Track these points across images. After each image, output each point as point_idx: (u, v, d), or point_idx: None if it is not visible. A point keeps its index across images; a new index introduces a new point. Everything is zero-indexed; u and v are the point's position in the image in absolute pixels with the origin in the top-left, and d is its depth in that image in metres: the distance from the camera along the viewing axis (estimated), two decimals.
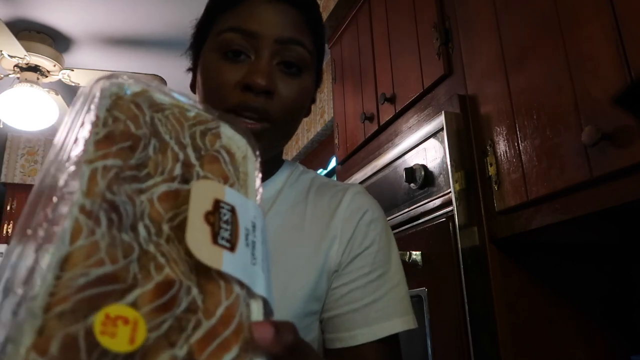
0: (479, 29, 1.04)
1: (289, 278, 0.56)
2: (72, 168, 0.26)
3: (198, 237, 0.27)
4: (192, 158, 0.32)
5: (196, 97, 0.42)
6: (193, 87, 0.63)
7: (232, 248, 0.28)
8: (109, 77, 0.34)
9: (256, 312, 0.28)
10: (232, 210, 0.30)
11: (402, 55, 1.33)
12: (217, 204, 0.30)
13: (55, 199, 0.25)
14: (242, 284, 0.28)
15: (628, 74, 0.69)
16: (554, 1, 0.84)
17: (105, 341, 0.21)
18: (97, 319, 0.22)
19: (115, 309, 0.23)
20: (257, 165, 0.37)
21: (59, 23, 2.94)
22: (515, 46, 0.93)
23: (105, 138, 0.29)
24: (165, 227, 0.27)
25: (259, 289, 0.29)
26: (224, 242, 0.28)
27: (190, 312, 0.25)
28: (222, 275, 0.27)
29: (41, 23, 2.94)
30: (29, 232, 0.24)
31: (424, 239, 1.07)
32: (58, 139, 0.30)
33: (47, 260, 0.22)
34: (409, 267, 1.06)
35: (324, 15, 1.86)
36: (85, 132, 0.29)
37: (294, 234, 0.60)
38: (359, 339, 0.56)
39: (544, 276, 0.97)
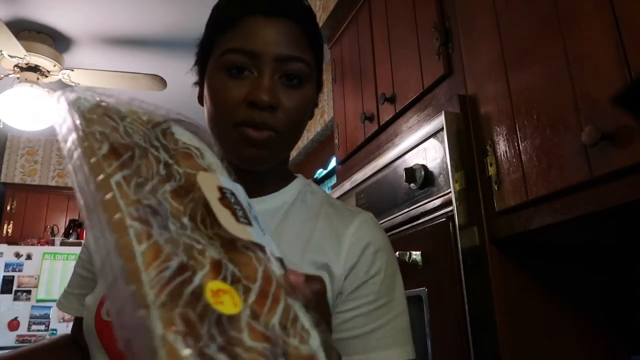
0: (479, 29, 1.04)
1: None
2: (102, 190, 0.30)
3: (226, 219, 0.32)
4: (167, 158, 0.35)
5: (134, 101, 0.43)
6: (200, 99, 0.66)
7: (250, 224, 0.33)
8: (69, 92, 0.37)
9: (278, 270, 0.33)
10: (233, 194, 0.35)
11: (402, 55, 1.33)
12: (222, 191, 0.34)
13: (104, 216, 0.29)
14: (263, 250, 0.33)
15: (628, 74, 0.69)
16: (554, 1, 0.84)
17: (220, 308, 0.27)
18: (208, 294, 0.27)
19: (214, 284, 0.28)
20: (215, 151, 0.40)
21: (59, 23, 2.94)
22: (515, 46, 0.93)
23: (110, 152, 0.32)
24: (185, 220, 0.31)
25: (276, 252, 0.34)
26: (244, 220, 0.33)
27: (235, 282, 0.29)
28: (246, 247, 0.32)
29: (41, 23, 2.94)
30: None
31: (424, 239, 1.07)
32: (69, 160, 0.32)
33: (137, 262, 0.27)
34: (409, 267, 1.06)
35: (324, 16, 1.86)
36: (83, 151, 0.32)
37: (300, 250, 0.60)
38: None
39: (544, 276, 0.97)
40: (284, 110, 0.58)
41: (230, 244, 0.31)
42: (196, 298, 0.26)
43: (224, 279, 0.29)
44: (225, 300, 0.28)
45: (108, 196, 0.29)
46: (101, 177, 0.30)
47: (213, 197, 0.33)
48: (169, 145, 0.36)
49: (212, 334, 0.25)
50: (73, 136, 0.33)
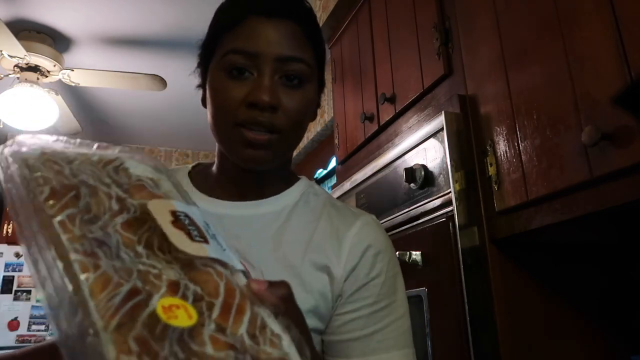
0: (479, 29, 1.04)
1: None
2: (43, 226, 0.31)
3: (180, 240, 0.33)
4: (120, 193, 0.36)
5: (72, 140, 0.44)
6: (204, 101, 0.66)
7: (205, 241, 0.35)
8: (10, 145, 0.38)
9: (241, 281, 0.34)
10: (187, 216, 0.36)
11: (402, 55, 1.33)
12: (175, 214, 0.36)
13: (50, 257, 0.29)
14: (223, 266, 0.34)
15: (628, 74, 0.69)
16: (554, 1, 0.84)
17: (174, 322, 0.27)
18: (159, 310, 0.28)
19: (164, 301, 0.28)
20: (171, 180, 0.41)
21: (59, 23, 2.94)
22: (515, 46, 0.93)
23: (52, 194, 0.34)
24: (139, 249, 0.32)
25: (237, 265, 0.35)
26: (198, 238, 0.34)
27: (197, 300, 0.30)
28: (205, 264, 0.33)
29: (41, 23, 2.94)
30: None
31: (424, 239, 1.07)
32: (11, 213, 0.34)
33: (83, 292, 0.28)
34: (409, 267, 1.06)
35: (324, 16, 1.86)
36: (27, 197, 0.33)
37: (301, 250, 0.60)
38: None
39: (544, 276, 0.97)
40: (285, 110, 0.58)
41: (189, 264, 0.32)
42: (155, 320, 0.27)
43: (184, 297, 0.30)
44: (179, 314, 0.28)
45: (50, 234, 0.30)
46: (43, 217, 0.32)
47: (165, 221, 0.34)
48: (122, 180, 0.37)
49: (175, 351, 0.26)
50: (16, 185, 0.34)
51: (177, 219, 0.35)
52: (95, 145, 0.41)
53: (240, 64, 0.58)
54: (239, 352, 0.28)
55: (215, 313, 0.30)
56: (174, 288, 0.30)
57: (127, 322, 0.26)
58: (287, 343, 0.31)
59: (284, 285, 0.38)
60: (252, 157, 0.58)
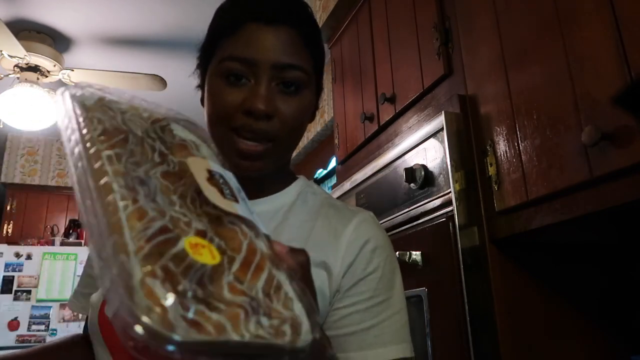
0: (479, 29, 1.04)
1: None
2: (93, 160, 0.33)
3: (213, 195, 0.35)
4: (163, 149, 0.38)
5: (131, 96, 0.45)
6: (202, 101, 0.66)
7: (236, 201, 0.37)
8: (72, 87, 0.41)
9: (264, 243, 0.35)
10: (222, 177, 0.38)
11: (402, 55, 1.33)
12: (211, 172, 0.38)
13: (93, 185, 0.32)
14: (249, 226, 0.35)
15: (628, 74, 0.69)
16: (554, 1, 0.84)
17: (199, 258, 0.29)
18: (187, 245, 0.29)
19: (191, 239, 0.30)
20: (212, 148, 0.43)
21: (59, 23, 2.94)
22: (515, 46, 0.93)
23: (103, 133, 0.36)
24: (174, 198, 0.34)
25: (262, 229, 0.36)
26: (230, 197, 0.36)
27: (221, 253, 0.31)
28: (232, 222, 0.34)
29: (41, 23, 2.94)
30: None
31: (424, 239, 1.07)
32: (67, 144, 0.36)
33: (120, 216, 0.30)
34: (409, 267, 1.06)
35: (324, 16, 1.86)
36: (81, 133, 0.35)
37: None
38: None
39: (544, 276, 0.97)
40: (281, 117, 0.58)
41: (217, 220, 0.34)
42: (181, 256, 0.29)
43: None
44: (204, 252, 0.30)
45: (97, 165, 0.32)
46: (93, 149, 0.34)
47: (201, 177, 0.36)
48: (166, 138, 0.39)
49: (194, 288, 0.27)
50: (72, 123, 0.36)
51: (212, 177, 0.37)
52: (147, 103, 0.43)
53: (237, 70, 0.58)
54: (253, 301, 0.29)
55: (235, 267, 0.31)
56: (201, 235, 0.31)
57: (156, 252, 0.28)
58: (298, 307, 0.32)
59: (303, 252, 0.39)
60: (246, 168, 0.59)
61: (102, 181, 0.31)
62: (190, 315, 0.26)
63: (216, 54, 0.61)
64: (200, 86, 0.66)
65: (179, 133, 0.41)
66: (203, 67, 0.64)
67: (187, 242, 0.30)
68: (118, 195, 0.31)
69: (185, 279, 0.27)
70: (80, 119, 0.36)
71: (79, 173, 0.33)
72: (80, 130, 0.35)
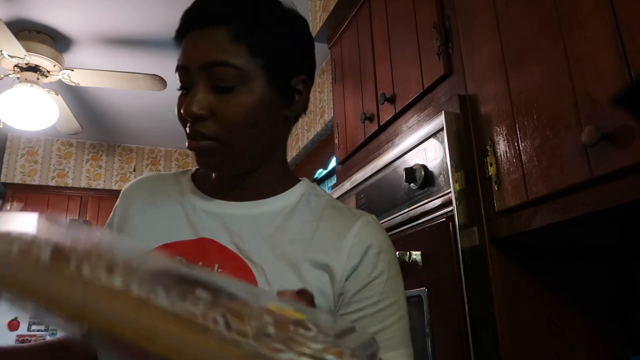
0: (479, 29, 1.04)
1: (291, 287, 0.57)
2: None
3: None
4: None
5: None
6: None
7: None
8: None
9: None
10: None
11: (402, 55, 1.33)
12: None
13: None
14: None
15: (628, 74, 0.69)
16: (554, 1, 0.84)
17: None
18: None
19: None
20: None
21: (59, 23, 2.94)
22: (515, 46, 0.93)
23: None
24: None
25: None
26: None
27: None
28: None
29: (41, 23, 2.94)
30: None
31: (424, 239, 1.07)
32: None
33: None
34: (409, 267, 1.06)
35: (324, 16, 1.86)
36: None
37: (302, 249, 0.61)
38: None
39: (544, 276, 0.97)
40: (217, 117, 0.59)
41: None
42: None
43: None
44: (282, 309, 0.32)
45: None
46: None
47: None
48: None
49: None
50: None
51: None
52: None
53: (181, 78, 0.62)
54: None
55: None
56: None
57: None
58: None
59: (307, 294, 0.41)
60: (203, 163, 0.63)
61: None
62: None
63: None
64: None
65: None
66: None
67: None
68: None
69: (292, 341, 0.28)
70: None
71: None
72: None
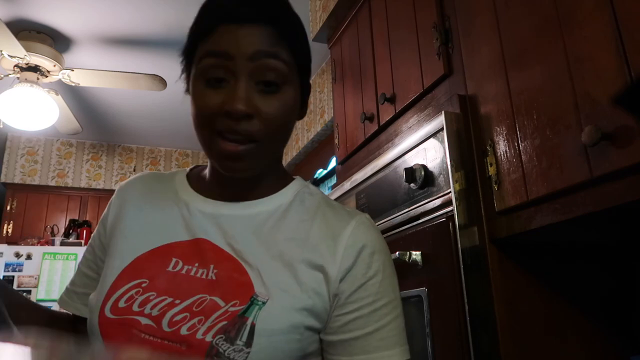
0: (479, 29, 1.04)
1: (287, 288, 0.58)
2: None
3: None
4: None
5: None
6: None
7: None
8: None
9: None
10: None
11: (402, 55, 1.33)
12: None
13: None
14: None
15: (628, 74, 0.69)
16: (554, 1, 0.84)
17: None
18: None
19: None
20: None
21: (59, 23, 2.94)
22: (515, 46, 0.93)
23: None
24: None
25: None
26: None
27: None
28: None
29: (41, 23, 2.94)
30: None
31: (424, 239, 1.07)
32: None
33: None
34: (409, 267, 1.06)
35: (324, 16, 1.86)
36: None
37: (297, 249, 0.61)
38: None
39: (544, 276, 0.97)
40: (261, 118, 0.57)
41: None
42: None
43: None
44: None
45: None
46: None
47: None
48: None
49: None
50: None
51: None
52: None
53: (215, 69, 0.57)
54: None
55: None
56: None
57: None
58: None
59: None
60: (231, 168, 0.59)
61: None
62: None
63: (195, 56, 0.60)
64: (187, 90, 0.66)
65: None
66: (187, 71, 0.64)
67: None
68: None
69: None
70: None
71: None
72: None
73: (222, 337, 0.53)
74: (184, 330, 0.54)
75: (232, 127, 0.56)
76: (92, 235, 0.73)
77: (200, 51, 0.59)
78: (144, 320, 0.56)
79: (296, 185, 0.69)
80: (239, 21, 0.58)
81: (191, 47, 0.61)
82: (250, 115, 0.56)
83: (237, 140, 0.57)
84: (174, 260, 0.60)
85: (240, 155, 0.57)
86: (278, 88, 0.59)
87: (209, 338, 0.53)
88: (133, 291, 0.58)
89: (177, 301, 0.56)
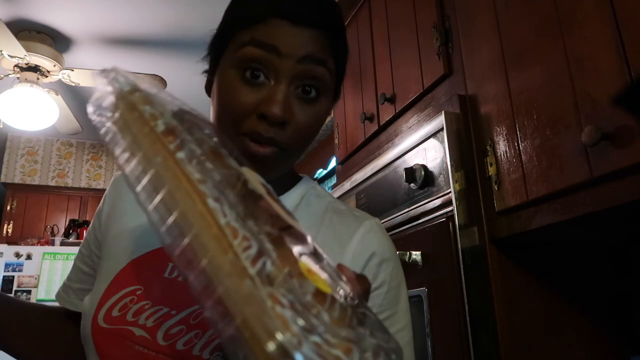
0: (479, 29, 1.04)
1: None
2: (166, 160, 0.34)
3: (281, 211, 0.36)
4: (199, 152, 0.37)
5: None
6: (208, 89, 0.62)
7: (295, 219, 0.37)
8: (110, 72, 0.42)
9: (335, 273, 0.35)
10: (273, 192, 0.39)
11: (402, 55, 1.33)
12: (265, 186, 0.39)
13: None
14: (318, 256, 0.35)
15: (628, 74, 0.69)
16: (554, 1, 0.84)
17: (316, 283, 0.30)
18: (303, 268, 0.30)
19: (303, 265, 0.31)
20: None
21: (59, 23, 2.94)
22: (515, 46, 0.93)
23: (167, 130, 0.36)
24: (240, 210, 0.33)
25: (322, 253, 0.36)
26: (292, 216, 0.37)
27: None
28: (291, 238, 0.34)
29: (41, 23, 2.94)
30: None
31: (424, 239, 1.07)
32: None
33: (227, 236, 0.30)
34: (409, 267, 1.06)
35: None
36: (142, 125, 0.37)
37: None
38: None
39: (544, 276, 0.97)
40: (295, 125, 0.54)
41: (281, 242, 0.33)
42: (299, 286, 0.29)
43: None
44: (317, 278, 0.30)
45: (178, 170, 0.33)
46: (165, 152, 0.34)
47: (261, 190, 0.37)
48: (197, 136, 0.38)
49: (312, 318, 0.27)
50: (120, 109, 0.37)
51: (270, 193, 0.38)
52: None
53: (257, 61, 0.53)
54: (357, 334, 0.28)
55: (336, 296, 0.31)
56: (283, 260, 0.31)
57: (268, 276, 0.28)
58: (388, 338, 0.31)
59: (365, 280, 0.38)
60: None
61: (193, 188, 0.31)
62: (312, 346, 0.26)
63: (233, 42, 0.55)
64: (209, 73, 0.61)
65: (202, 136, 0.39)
66: (215, 55, 0.59)
67: (304, 267, 0.30)
68: (217, 211, 0.30)
69: (305, 308, 0.27)
70: (132, 111, 0.37)
71: (144, 164, 0.33)
72: (139, 123, 0.36)
73: (219, 355, 0.50)
74: (179, 345, 0.51)
75: (261, 132, 0.52)
76: (87, 229, 0.71)
77: (243, 38, 0.54)
78: (137, 332, 0.52)
79: (303, 186, 0.66)
80: (294, 20, 0.53)
81: (231, 28, 0.56)
82: (285, 123, 0.53)
83: (263, 142, 0.53)
84: (170, 265, 0.57)
85: (264, 159, 0.54)
86: (317, 97, 0.55)
87: (206, 355, 0.50)
88: (127, 299, 0.55)
89: (173, 312, 0.53)
